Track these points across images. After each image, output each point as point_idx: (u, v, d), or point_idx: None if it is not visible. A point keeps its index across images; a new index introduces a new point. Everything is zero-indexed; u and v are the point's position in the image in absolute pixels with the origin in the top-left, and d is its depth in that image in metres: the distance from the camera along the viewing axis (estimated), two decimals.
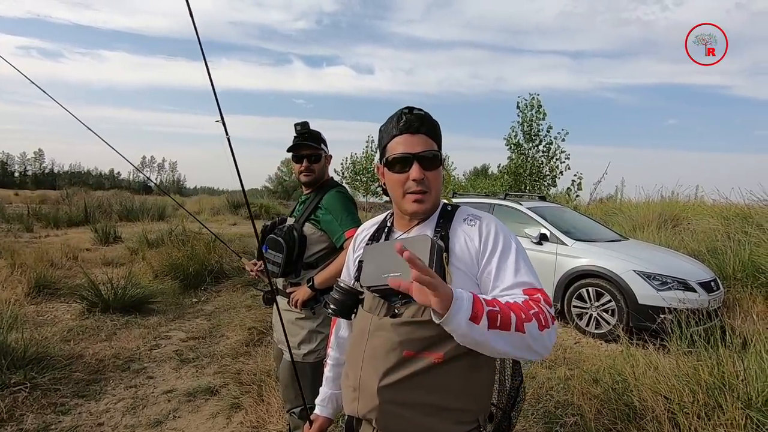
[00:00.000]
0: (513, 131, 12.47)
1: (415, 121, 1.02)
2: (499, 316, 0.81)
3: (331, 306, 1.10)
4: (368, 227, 1.23)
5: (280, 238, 1.85)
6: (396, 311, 1.00)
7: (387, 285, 0.97)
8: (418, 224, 1.09)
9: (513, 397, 1.07)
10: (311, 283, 1.82)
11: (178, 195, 35.27)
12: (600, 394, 2.51)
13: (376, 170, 1.18)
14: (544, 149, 12.08)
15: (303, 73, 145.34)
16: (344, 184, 17.75)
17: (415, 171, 1.01)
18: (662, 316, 3.75)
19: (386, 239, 1.13)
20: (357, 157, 17.99)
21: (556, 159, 11.96)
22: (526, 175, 11.97)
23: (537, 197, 6.61)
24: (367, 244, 1.17)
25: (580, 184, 11.53)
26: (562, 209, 6.00)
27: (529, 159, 12.11)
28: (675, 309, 3.40)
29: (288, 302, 1.90)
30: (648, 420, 2.07)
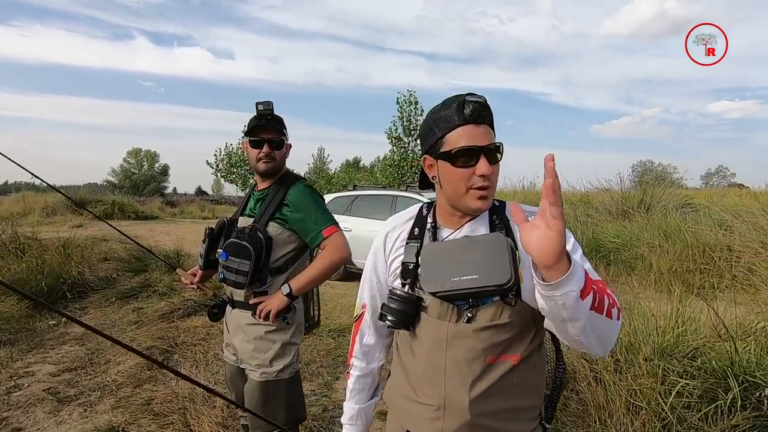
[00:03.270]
0: (393, 125, 13.04)
1: (482, 110, 0.92)
2: (597, 298, 0.75)
3: (390, 318, 0.98)
4: (401, 223, 1.10)
5: (245, 243, 1.58)
6: (469, 315, 0.94)
7: (461, 289, 0.90)
8: (469, 220, 1.03)
9: (558, 386, 1.10)
10: (289, 290, 1.61)
11: None
12: None
13: (422, 161, 1.07)
14: None
15: (149, 51, 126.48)
16: (218, 177, 16.31)
17: (483, 166, 0.91)
18: None
19: (433, 238, 1.05)
20: (232, 148, 16.62)
21: None
22: (408, 168, 12.65)
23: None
24: (407, 243, 1.07)
25: None
26: None
27: (409, 152, 12.80)
28: None
29: (253, 315, 1.65)
30: (580, 381, 2.38)
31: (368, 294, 1.13)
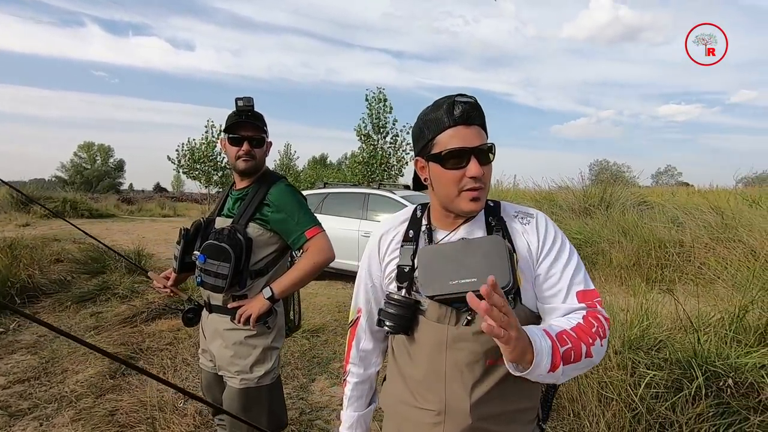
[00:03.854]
0: (363, 122, 12.97)
1: (472, 111, 0.91)
2: (572, 352, 0.82)
3: (388, 323, 0.95)
4: (395, 226, 1.08)
5: (224, 245, 1.51)
6: (468, 318, 0.93)
7: (460, 293, 0.88)
8: (464, 222, 1.01)
9: (553, 386, 1.11)
10: (271, 294, 1.55)
11: None
12: None
13: (414, 163, 1.05)
14: (391, 141, 12.93)
15: (102, 40, 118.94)
16: (180, 173, 15.70)
17: (474, 167, 0.90)
18: None
19: (429, 240, 1.03)
20: (195, 143, 15.97)
21: (402, 150, 12.95)
22: (377, 166, 12.63)
23: (402, 186, 7.04)
24: (402, 245, 1.04)
25: None
26: (427, 197, 6.53)
27: (378, 149, 12.79)
28: None
29: (232, 319, 1.58)
30: None
31: (363, 298, 1.10)
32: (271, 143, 1.72)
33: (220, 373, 1.65)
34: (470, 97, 0.93)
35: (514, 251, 0.92)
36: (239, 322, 1.56)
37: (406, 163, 13.01)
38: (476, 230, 0.99)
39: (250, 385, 1.58)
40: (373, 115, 12.80)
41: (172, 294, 1.76)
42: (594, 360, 0.85)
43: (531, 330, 0.80)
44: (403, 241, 1.04)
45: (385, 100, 12.81)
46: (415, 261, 0.98)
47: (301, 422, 2.56)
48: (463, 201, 0.93)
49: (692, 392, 2.00)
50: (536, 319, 0.95)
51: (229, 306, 1.59)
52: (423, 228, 1.03)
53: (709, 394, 1.98)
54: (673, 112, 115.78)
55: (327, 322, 4.26)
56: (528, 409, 0.97)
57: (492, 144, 0.95)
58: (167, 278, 1.76)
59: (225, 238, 1.53)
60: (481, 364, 0.90)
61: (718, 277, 3.47)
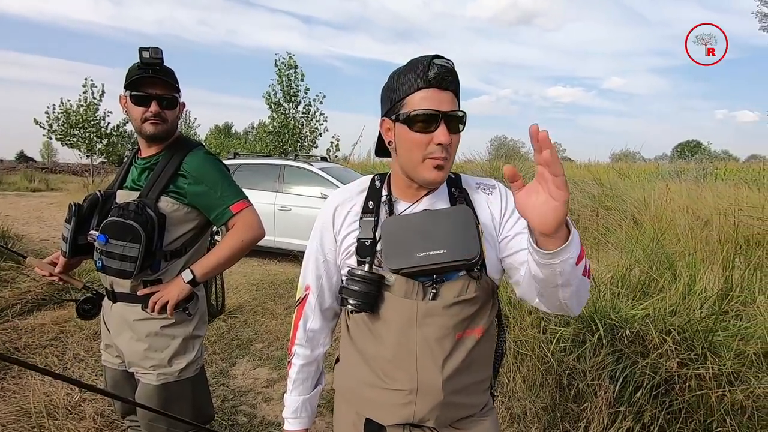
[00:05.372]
0: (272, 89, 12.20)
1: (448, 75, 0.86)
2: (587, 261, 0.75)
3: (352, 301, 0.88)
4: (352, 196, 0.99)
5: (131, 222, 1.28)
6: (433, 292, 0.89)
7: (428, 265, 0.85)
8: (427, 194, 0.95)
9: (500, 354, 1.13)
10: (192, 277, 1.36)
11: None
12: None
13: (379, 124, 0.96)
14: (304, 110, 12.40)
15: None
16: (53, 140, 13.48)
17: (442, 134, 0.85)
18: None
19: (389, 212, 0.96)
20: (71, 105, 13.62)
21: (316, 120, 12.50)
22: (289, 136, 12.07)
23: (319, 158, 6.81)
24: (361, 218, 0.96)
25: (337, 145, 12.52)
26: (345, 169, 6.42)
27: (290, 119, 12.18)
28: None
29: (144, 308, 1.37)
30: None
31: (313, 275, 1.01)
32: (184, 104, 1.48)
33: (130, 370, 1.43)
34: (448, 60, 0.87)
35: (478, 222, 0.90)
36: (153, 310, 1.35)
37: (320, 134, 12.64)
38: (439, 202, 0.95)
39: (170, 379, 1.40)
40: (284, 82, 12.09)
41: (61, 282, 1.47)
42: (587, 287, 0.79)
43: None
44: (362, 212, 0.96)
45: (296, 67, 12.17)
46: (377, 233, 0.91)
47: (225, 410, 2.39)
48: (426, 169, 0.88)
49: (594, 344, 2.26)
50: (496, 288, 0.95)
51: (139, 293, 1.38)
52: (383, 199, 0.97)
53: (607, 344, 2.25)
54: (559, 94, 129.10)
55: (245, 302, 4.03)
56: (486, 379, 0.98)
57: (464, 113, 0.89)
58: (54, 264, 1.46)
59: (131, 214, 1.30)
60: (450, 338, 0.87)
61: (608, 241, 3.96)
